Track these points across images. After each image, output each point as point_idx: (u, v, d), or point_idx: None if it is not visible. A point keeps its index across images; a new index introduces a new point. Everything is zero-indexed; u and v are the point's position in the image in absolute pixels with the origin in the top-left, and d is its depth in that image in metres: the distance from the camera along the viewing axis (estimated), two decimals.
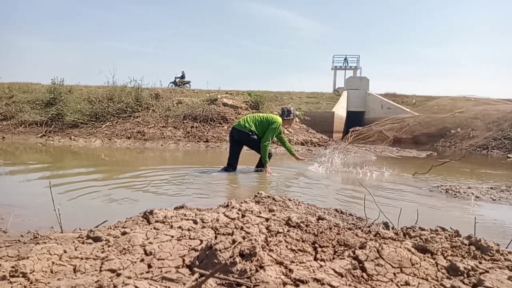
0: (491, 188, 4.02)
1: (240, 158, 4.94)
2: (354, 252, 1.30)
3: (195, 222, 1.66)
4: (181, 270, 1.22)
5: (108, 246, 1.42)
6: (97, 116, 10.64)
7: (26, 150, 7.62)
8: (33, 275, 1.18)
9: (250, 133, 4.63)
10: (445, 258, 1.31)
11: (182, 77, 18.91)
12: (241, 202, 2.03)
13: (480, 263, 1.28)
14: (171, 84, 18.62)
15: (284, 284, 1.10)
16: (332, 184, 4.31)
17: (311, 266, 1.23)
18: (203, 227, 1.59)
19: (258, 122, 4.66)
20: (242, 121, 4.71)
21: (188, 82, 18.65)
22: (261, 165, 4.79)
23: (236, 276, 1.11)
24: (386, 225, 1.99)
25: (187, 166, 5.41)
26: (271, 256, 1.27)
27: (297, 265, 1.24)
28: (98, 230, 1.60)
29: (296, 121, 11.66)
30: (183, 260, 1.28)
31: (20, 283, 1.14)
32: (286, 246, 1.37)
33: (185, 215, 1.79)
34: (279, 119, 4.69)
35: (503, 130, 12.47)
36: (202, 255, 1.24)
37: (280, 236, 1.46)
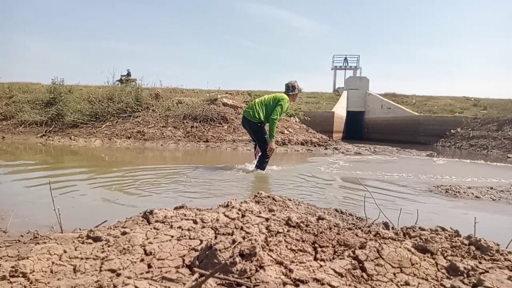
0: (491, 188, 4.02)
1: (240, 158, 4.95)
2: (354, 252, 1.30)
3: (195, 222, 1.66)
4: (181, 270, 1.22)
5: (108, 246, 1.42)
6: (97, 116, 10.64)
7: (26, 150, 7.61)
8: (33, 275, 1.18)
9: (259, 124, 4.73)
10: (445, 258, 1.31)
11: (128, 75, 19.06)
12: (241, 202, 2.03)
13: (480, 263, 1.28)
14: (117, 82, 18.68)
15: (284, 284, 1.09)
16: (332, 184, 4.31)
17: (311, 266, 1.23)
18: (203, 227, 1.59)
19: (267, 105, 4.73)
20: (252, 109, 4.76)
21: (134, 80, 18.73)
22: (260, 167, 4.81)
23: (236, 276, 1.11)
24: (386, 225, 1.99)
25: (187, 166, 5.41)
26: (271, 256, 1.27)
27: (297, 265, 1.24)
28: (98, 230, 1.60)
29: (296, 121, 11.66)
30: (183, 260, 1.28)
31: (20, 283, 1.14)
32: (286, 246, 1.37)
33: (185, 215, 1.79)
34: (286, 97, 4.80)
35: (503, 130, 12.47)
36: (202, 255, 1.24)
37: (280, 236, 1.46)
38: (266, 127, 4.84)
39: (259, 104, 4.76)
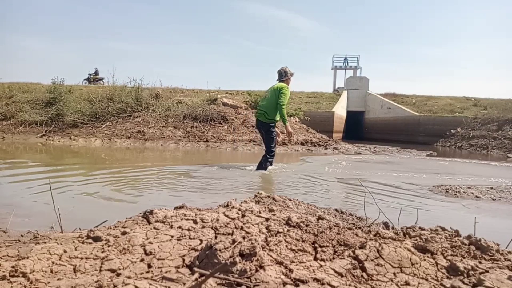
0: (491, 188, 4.02)
1: (240, 158, 4.96)
2: (354, 252, 1.30)
3: (195, 222, 1.66)
4: (181, 270, 1.22)
5: (108, 246, 1.42)
6: (97, 116, 10.63)
7: (26, 150, 7.62)
8: (33, 275, 1.18)
9: (272, 123, 4.91)
10: (445, 258, 1.31)
11: (96, 73, 18.98)
12: (241, 202, 2.03)
13: (480, 263, 1.28)
14: (85, 81, 18.59)
15: (284, 284, 1.10)
16: (332, 184, 4.31)
17: (311, 266, 1.23)
18: (203, 227, 1.59)
19: (273, 100, 4.86)
20: (263, 112, 4.92)
21: (102, 79, 18.62)
22: (261, 167, 4.84)
23: (236, 276, 1.11)
24: (386, 225, 1.99)
25: (187, 165, 5.41)
26: (271, 256, 1.27)
27: (297, 265, 1.24)
28: (98, 230, 1.60)
29: (296, 121, 11.67)
30: (183, 260, 1.28)
31: (20, 283, 1.14)
32: (286, 246, 1.37)
33: (185, 215, 1.79)
34: (284, 84, 4.96)
35: (503, 130, 12.46)
36: (202, 255, 1.24)
37: (280, 236, 1.45)
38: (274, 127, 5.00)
39: (266, 106, 4.92)
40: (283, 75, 5.02)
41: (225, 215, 1.73)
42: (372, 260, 1.25)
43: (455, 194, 3.65)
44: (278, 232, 1.50)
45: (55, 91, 11.39)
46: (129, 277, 1.16)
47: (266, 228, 1.54)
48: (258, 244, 1.24)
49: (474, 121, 14.18)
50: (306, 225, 1.58)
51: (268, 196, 2.29)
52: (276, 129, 5.01)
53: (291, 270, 1.17)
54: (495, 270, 1.20)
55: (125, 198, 3.10)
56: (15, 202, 2.83)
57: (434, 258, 1.29)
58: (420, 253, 1.32)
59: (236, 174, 4.64)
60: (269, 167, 4.90)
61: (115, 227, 1.72)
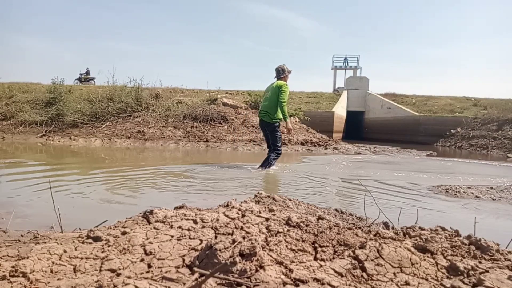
0: (491, 187, 4.02)
1: (240, 158, 4.97)
2: (354, 252, 1.30)
3: (195, 222, 1.66)
4: (181, 270, 1.22)
5: (108, 246, 1.42)
6: (97, 116, 10.63)
7: (26, 150, 7.62)
8: (33, 275, 1.18)
9: (277, 123, 4.99)
10: (445, 257, 1.31)
11: (87, 73, 19.13)
12: (241, 202, 2.03)
13: (480, 262, 1.28)
14: (76, 81, 18.73)
15: (284, 284, 1.10)
16: (332, 184, 4.31)
17: (311, 266, 1.23)
18: (203, 227, 1.59)
19: (274, 99, 4.91)
20: (266, 113, 4.98)
21: (93, 79, 18.77)
22: (265, 165, 4.88)
23: (236, 276, 1.11)
24: (386, 225, 1.99)
25: (187, 165, 5.41)
26: (271, 256, 1.27)
27: (297, 264, 1.24)
28: (98, 230, 1.60)
29: (296, 121, 11.67)
30: (183, 260, 1.28)
31: (20, 283, 1.14)
32: (286, 246, 1.37)
33: (185, 215, 1.79)
34: (283, 82, 5.00)
35: (503, 129, 12.46)
36: (202, 255, 1.24)
37: (280, 236, 1.45)
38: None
39: (269, 105, 4.95)
40: (281, 73, 5.05)
41: (225, 215, 1.73)
42: (372, 260, 1.25)
43: (455, 194, 3.65)
44: (278, 232, 1.50)
45: (55, 91, 11.40)
46: (129, 277, 1.16)
47: (266, 228, 1.55)
48: (258, 244, 1.24)
49: (474, 121, 14.18)
50: (306, 225, 1.58)
51: (268, 196, 2.29)
52: (279, 129, 5.06)
53: (291, 270, 1.17)
54: (495, 270, 1.20)
55: (125, 198, 3.09)
56: (15, 202, 2.83)
57: (434, 258, 1.29)
58: (420, 253, 1.32)
59: (236, 174, 4.64)
60: (271, 167, 4.93)
61: (115, 227, 1.72)
